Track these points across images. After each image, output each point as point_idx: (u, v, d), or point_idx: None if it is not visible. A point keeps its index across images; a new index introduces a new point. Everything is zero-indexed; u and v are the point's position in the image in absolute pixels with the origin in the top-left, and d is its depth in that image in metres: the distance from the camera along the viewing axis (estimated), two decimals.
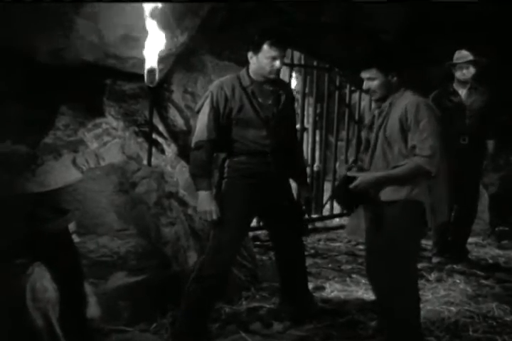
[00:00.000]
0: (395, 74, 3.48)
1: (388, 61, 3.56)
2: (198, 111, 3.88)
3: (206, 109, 3.81)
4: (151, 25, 4.34)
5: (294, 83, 8.58)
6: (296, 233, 4.20)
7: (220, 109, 3.80)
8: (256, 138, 3.85)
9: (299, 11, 5.63)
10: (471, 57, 5.49)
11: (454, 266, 5.53)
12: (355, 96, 8.21)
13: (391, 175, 3.44)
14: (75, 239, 3.69)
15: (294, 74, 7.92)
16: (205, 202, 3.77)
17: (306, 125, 8.22)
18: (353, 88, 7.95)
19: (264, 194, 3.90)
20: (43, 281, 2.94)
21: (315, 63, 7.41)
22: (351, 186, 3.43)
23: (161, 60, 4.50)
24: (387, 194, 3.45)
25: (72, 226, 3.55)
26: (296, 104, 9.96)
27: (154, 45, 4.38)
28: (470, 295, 4.78)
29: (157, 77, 4.45)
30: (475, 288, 4.95)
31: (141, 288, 4.06)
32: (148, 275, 4.12)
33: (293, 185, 4.21)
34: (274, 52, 3.75)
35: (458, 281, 5.11)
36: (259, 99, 3.87)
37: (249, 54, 3.83)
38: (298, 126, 8.26)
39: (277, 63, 3.79)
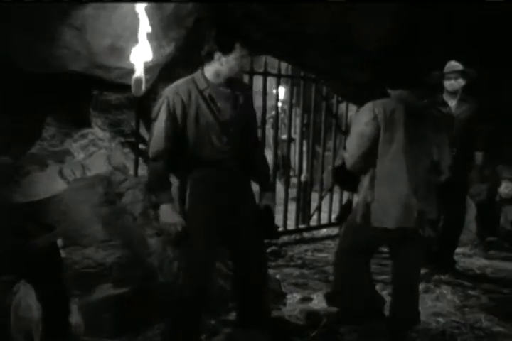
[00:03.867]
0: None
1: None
2: (154, 119, 3.67)
3: (163, 116, 3.62)
4: (138, 36, 4.34)
5: (281, 94, 8.62)
6: (259, 247, 3.99)
7: (178, 116, 3.63)
8: (216, 146, 3.68)
9: (285, 22, 5.63)
10: (459, 68, 5.49)
11: (441, 277, 5.53)
12: (342, 106, 8.24)
13: None
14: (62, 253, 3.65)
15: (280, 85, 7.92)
16: (168, 215, 3.62)
17: (293, 135, 8.25)
18: (339, 98, 7.97)
19: (230, 204, 3.73)
20: (27, 300, 2.89)
21: (302, 74, 7.41)
22: None
23: (148, 70, 4.49)
24: None
25: (59, 242, 3.52)
26: (282, 115, 10.16)
27: (141, 56, 4.37)
28: (457, 305, 4.79)
29: (143, 87, 4.44)
30: (462, 299, 4.95)
31: (126, 300, 4.01)
32: (134, 286, 4.08)
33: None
34: (244, 52, 3.67)
35: (445, 292, 5.11)
36: (218, 103, 3.70)
37: (217, 55, 3.64)
38: (285, 135, 8.35)
39: (245, 61, 3.76)
